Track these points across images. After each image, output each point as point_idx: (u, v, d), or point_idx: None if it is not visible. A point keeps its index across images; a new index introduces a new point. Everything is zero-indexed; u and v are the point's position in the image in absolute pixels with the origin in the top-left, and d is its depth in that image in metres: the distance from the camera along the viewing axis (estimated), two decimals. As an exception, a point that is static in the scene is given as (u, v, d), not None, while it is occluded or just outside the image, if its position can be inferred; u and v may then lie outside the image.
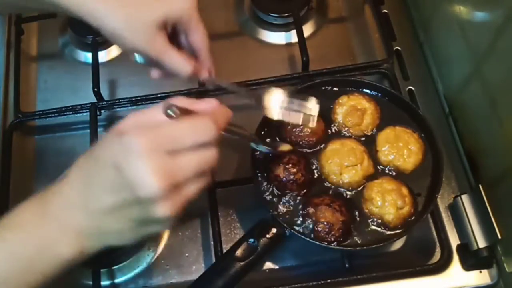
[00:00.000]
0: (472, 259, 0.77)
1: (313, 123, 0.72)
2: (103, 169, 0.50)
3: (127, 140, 0.48)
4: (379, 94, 0.83)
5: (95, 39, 0.98)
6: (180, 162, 0.50)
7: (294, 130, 0.79)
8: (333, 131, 0.81)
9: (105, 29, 0.65)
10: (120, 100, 0.93)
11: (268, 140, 0.80)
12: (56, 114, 0.93)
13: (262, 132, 0.80)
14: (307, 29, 0.99)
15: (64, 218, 0.53)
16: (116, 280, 0.81)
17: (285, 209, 0.75)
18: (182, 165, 0.50)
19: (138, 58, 0.71)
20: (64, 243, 0.53)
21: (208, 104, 0.56)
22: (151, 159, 0.48)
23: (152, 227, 0.53)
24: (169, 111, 0.51)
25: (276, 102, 0.72)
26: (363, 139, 0.80)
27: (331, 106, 0.82)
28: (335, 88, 0.83)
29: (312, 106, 0.72)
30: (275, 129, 0.80)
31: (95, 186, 0.51)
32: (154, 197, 0.48)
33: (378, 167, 0.78)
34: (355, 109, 0.80)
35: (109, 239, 0.54)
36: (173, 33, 0.70)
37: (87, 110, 0.92)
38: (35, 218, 0.53)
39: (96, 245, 0.55)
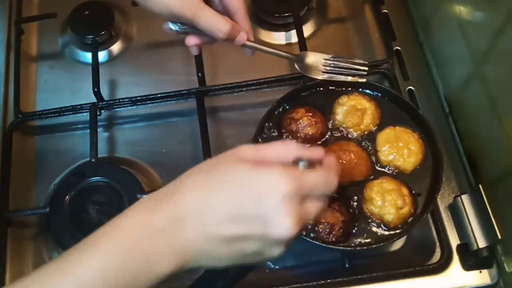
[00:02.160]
0: (472, 259, 0.77)
1: (362, 78, 0.70)
2: (237, 197, 0.49)
3: (276, 179, 0.49)
4: (379, 94, 0.83)
5: (95, 39, 0.98)
6: (308, 209, 0.51)
7: (293, 125, 0.79)
8: (333, 131, 0.81)
9: None
10: (120, 100, 0.93)
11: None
12: (56, 114, 0.93)
13: (266, 124, 0.81)
14: (307, 29, 0.99)
15: (173, 235, 0.50)
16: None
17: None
18: (308, 212, 0.51)
19: (172, 25, 0.68)
20: (167, 260, 0.50)
21: (320, 152, 0.56)
22: (293, 203, 0.49)
23: (256, 260, 0.53)
24: (301, 165, 0.53)
25: (318, 63, 0.70)
26: (363, 139, 0.80)
27: (331, 106, 0.82)
28: (335, 88, 0.83)
29: (359, 64, 0.70)
30: (276, 123, 0.81)
31: (221, 212, 0.49)
32: (283, 240, 0.49)
33: (378, 167, 0.78)
34: (355, 109, 0.80)
35: (209, 262, 0.53)
36: None
37: (87, 110, 0.92)
38: (141, 232, 0.50)
39: (194, 265, 0.52)
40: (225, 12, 0.69)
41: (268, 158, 0.53)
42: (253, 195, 0.49)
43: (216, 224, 0.49)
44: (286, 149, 0.54)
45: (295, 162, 0.54)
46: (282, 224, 0.48)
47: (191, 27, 0.68)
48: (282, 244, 0.50)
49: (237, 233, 0.49)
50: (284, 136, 0.80)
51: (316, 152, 0.56)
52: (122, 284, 0.49)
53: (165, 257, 0.50)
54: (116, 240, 0.50)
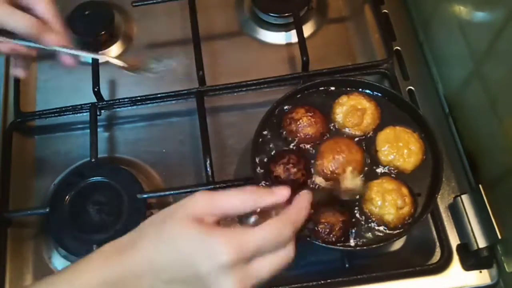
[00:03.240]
0: (472, 259, 0.77)
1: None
2: (179, 263, 0.50)
3: (214, 248, 0.49)
4: (379, 94, 0.83)
5: (95, 39, 0.98)
6: (258, 268, 0.50)
7: (293, 125, 0.79)
8: (333, 131, 0.81)
9: None
10: (120, 100, 0.93)
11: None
12: (56, 114, 0.93)
13: (266, 124, 0.81)
14: (307, 29, 0.99)
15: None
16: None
17: (285, 209, 0.75)
18: (259, 271, 0.50)
19: None
20: None
21: (282, 194, 0.55)
22: (235, 270, 0.48)
23: None
24: (250, 221, 0.53)
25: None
26: (363, 138, 0.80)
27: (331, 106, 0.82)
28: (335, 88, 0.83)
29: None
30: (276, 123, 0.81)
31: (162, 273, 0.50)
32: None
33: (378, 167, 0.78)
34: (355, 109, 0.80)
35: None
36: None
37: (87, 110, 0.92)
38: (100, 283, 0.51)
39: None
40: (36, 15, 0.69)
41: (223, 210, 0.52)
42: (192, 264, 0.49)
43: (165, 282, 0.50)
44: (241, 199, 0.53)
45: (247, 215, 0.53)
46: None
47: None
48: None
49: None
50: (288, 138, 0.80)
51: (279, 195, 0.54)
52: None
53: None
54: None
